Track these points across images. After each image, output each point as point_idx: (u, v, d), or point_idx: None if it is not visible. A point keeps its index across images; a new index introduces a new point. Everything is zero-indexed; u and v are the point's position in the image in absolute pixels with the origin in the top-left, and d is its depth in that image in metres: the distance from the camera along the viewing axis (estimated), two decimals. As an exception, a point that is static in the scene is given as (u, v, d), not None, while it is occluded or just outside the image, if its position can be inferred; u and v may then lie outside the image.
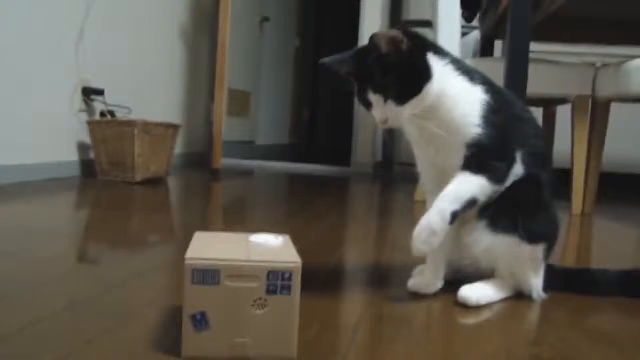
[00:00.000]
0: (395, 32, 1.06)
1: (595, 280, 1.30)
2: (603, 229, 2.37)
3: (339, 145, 6.09)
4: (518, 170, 1.15)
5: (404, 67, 1.07)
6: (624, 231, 2.33)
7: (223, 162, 4.10)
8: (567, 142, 2.69)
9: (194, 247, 0.83)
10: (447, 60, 1.12)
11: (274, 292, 0.78)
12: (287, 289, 0.79)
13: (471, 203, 1.11)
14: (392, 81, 1.07)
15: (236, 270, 0.78)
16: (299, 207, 2.53)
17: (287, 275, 0.78)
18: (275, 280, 0.78)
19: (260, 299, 0.78)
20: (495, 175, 1.12)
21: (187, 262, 0.78)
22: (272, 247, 0.87)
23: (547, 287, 1.23)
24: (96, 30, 3.09)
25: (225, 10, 3.62)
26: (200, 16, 4.40)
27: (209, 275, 0.77)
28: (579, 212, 2.62)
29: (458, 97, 1.10)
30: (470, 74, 1.14)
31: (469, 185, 1.10)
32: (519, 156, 1.15)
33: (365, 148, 4.55)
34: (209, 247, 0.86)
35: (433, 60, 1.10)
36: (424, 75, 1.08)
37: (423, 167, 1.22)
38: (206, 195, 2.87)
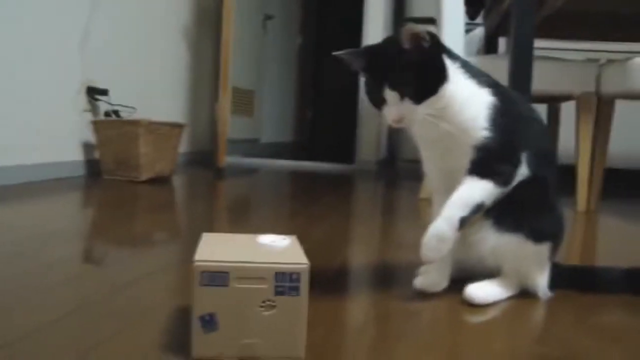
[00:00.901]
0: (420, 29, 1.06)
1: (600, 278, 1.30)
2: (608, 226, 2.37)
3: (343, 143, 6.09)
4: (523, 171, 1.15)
5: (423, 66, 1.08)
6: (630, 228, 2.33)
7: (228, 160, 4.10)
8: (572, 137, 2.69)
9: (202, 249, 0.84)
10: (458, 64, 1.13)
11: (282, 294, 0.79)
12: (295, 290, 0.79)
13: (479, 207, 1.12)
14: (410, 78, 1.07)
15: (245, 271, 0.79)
16: (303, 205, 2.53)
17: (295, 277, 0.79)
18: (283, 282, 0.79)
19: (269, 300, 0.79)
20: (502, 178, 1.13)
21: (195, 264, 0.78)
22: (279, 248, 0.88)
23: (552, 286, 1.23)
24: (100, 30, 3.10)
25: (228, 8, 3.62)
26: (204, 15, 4.41)
27: (217, 277, 0.78)
28: (584, 209, 2.61)
29: (466, 100, 1.11)
30: (478, 77, 1.15)
31: (477, 190, 1.11)
32: (524, 157, 1.15)
33: (368, 145, 4.55)
34: (217, 248, 0.86)
35: (448, 62, 1.11)
36: (441, 76, 1.09)
37: (429, 167, 1.23)
38: (211, 194, 2.88)
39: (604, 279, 1.29)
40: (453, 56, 1.14)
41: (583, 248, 1.93)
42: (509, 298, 1.20)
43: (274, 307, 0.79)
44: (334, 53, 1.16)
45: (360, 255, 1.61)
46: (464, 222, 1.11)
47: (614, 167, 3.55)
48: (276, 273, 0.79)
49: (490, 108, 1.12)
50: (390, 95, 1.08)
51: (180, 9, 4.08)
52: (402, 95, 1.08)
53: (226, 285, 0.78)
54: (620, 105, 2.74)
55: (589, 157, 2.62)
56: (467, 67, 1.15)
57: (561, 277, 1.27)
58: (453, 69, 1.12)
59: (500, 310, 1.14)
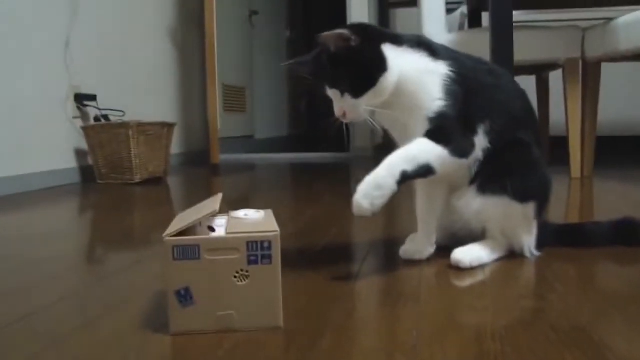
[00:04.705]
0: (342, 30, 1.07)
1: (588, 232, 1.30)
2: (603, 190, 2.36)
3: (339, 131, 6.06)
4: (480, 142, 1.14)
5: (356, 62, 1.09)
6: (624, 191, 2.32)
7: (224, 158, 4.11)
8: (562, 110, 2.67)
9: (174, 225, 0.84)
10: (406, 45, 1.13)
11: (255, 263, 0.79)
12: (267, 258, 0.79)
13: (425, 169, 1.07)
14: (344, 76, 1.09)
15: (215, 243, 0.79)
16: (297, 192, 2.53)
17: (266, 245, 0.79)
18: (255, 251, 0.79)
19: (242, 270, 0.79)
20: (456, 147, 1.10)
21: (166, 239, 0.78)
22: (251, 219, 0.87)
23: (542, 244, 1.23)
24: (83, 36, 3.09)
25: (210, 6, 3.62)
26: (189, 14, 4.40)
27: (189, 251, 0.78)
28: (578, 176, 2.60)
29: (419, 77, 1.11)
30: (433, 51, 1.14)
31: (427, 151, 1.08)
32: (481, 128, 1.14)
33: (363, 132, 4.54)
34: (189, 223, 0.86)
35: (389, 50, 1.11)
36: (379, 67, 1.09)
37: (398, 142, 1.22)
38: (206, 190, 2.88)
39: (592, 234, 1.29)
40: (399, 40, 1.13)
41: (581, 211, 1.92)
42: (497, 260, 1.19)
43: (247, 276, 0.79)
44: (282, 64, 1.19)
45: (351, 231, 1.61)
46: (405, 177, 1.05)
47: (607, 134, 3.54)
48: (247, 242, 0.79)
49: (445, 79, 1.11)
50: (332, 93, 1.13)
51: (164, 9, 4.07)
52: (341, 92, 1.11)
53: (198, 258, 0.78)
54: (608, 73, 2.72)
55: (580, 123, 2.61)
56: (419, 44, 1.14)
57: (550, 235, 1.27)
58: (398, 54, 1.11)
59: (487, 272, 1.13)
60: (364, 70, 1.09)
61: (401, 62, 1.11)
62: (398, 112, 1.12)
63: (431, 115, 1.10)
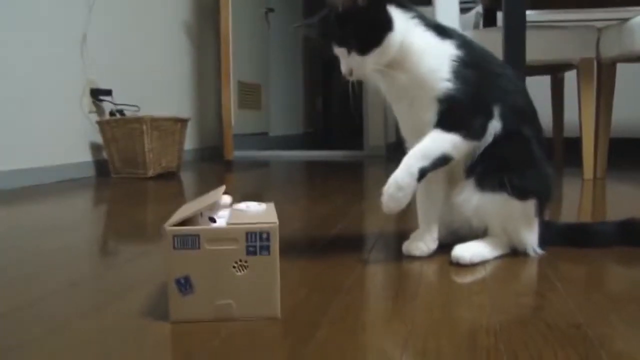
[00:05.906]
0: None
1: (593, 232, 1.30)
2: (615, 192, 2.34)
3: (354, 129, 6.06)
4: (496, 125, 1.15)
5: (362, 20, 1.10)
6: (637, 193, 2.30)
7: (238, 154, 4.13)
8: (576, 111, 2.66)
9: (176, 215, 0.85)
10: (413, 14, 1.15)
11: (254, 253, 0.81)
12: (266, 249, 0.81)
13: (442, 160, 1.12)
14: (351, 34, 1.11)
15: (215, 233, 0.80)
16: (308, 189, 2.55)
17: (265, 236, 0.80)
18: (254, 241, 0.80)
19: (241, 260, 0.81)
20: (470, 131, 1.13)
21: (167, 229, 0.80)
22: (252, 211, 0.89)
23: (546, 243, 1.23)
24: (99, 32, 3.13)
25: (225, 2, 3.64)
26: (204, 10, 4.43)
27: (189, 240, 0.80)
28: (591, 177, 2.59)
29: (424, 51, 1.12)
30: (440, 30, 1.16)
31: (440, 142, 1.12)
32: (496, 111, 1.15)
33: (376, 130, 4.54)
34: (190, 214, 0.88)
35: (395, 12, 1.12)
36: (384, 26, 1.11)
37: (402, 126, 1.24)
38: (218, 185, 2.89)
39: (597, 233, 1.29)
40: (407, 7, 1.15)
41: (592, 212, 1.90)
42: (498, 257, 1.20)
43: (246, 267, 0.81)
44: (293, 25, 1.25)
45: (358, 226, 1.62)
46: (424, 173, 1.11)
47: (622, 137, 3.51)
48: (247, 233, 0.80)
49: (454, 60, 1.12)
50: (339, 51, 1.14)
51: (180, 5, 4.10)
52: (348, 50, 1.12)
53: (198, 248, 0.80)
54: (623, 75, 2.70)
55: (593, 123, 2.59)
56: (426, 19, 1.16)
57: (554, 234, 1.27)
58: (404, 20, 1.13)
59: (488, 269, 1.14)
60: (370, 29, 1.11)
61: (407, 27, 1.12)
62: (403, 77, 1.13)
63: (440, 96, 1.11)
